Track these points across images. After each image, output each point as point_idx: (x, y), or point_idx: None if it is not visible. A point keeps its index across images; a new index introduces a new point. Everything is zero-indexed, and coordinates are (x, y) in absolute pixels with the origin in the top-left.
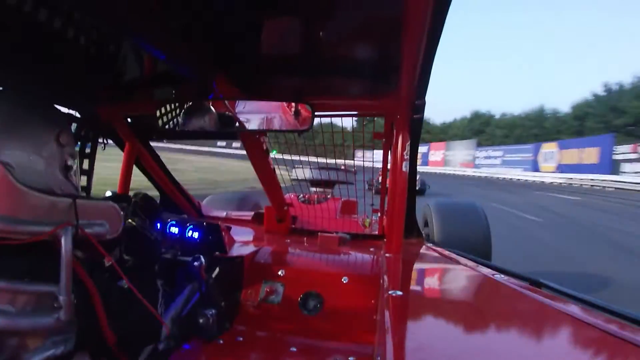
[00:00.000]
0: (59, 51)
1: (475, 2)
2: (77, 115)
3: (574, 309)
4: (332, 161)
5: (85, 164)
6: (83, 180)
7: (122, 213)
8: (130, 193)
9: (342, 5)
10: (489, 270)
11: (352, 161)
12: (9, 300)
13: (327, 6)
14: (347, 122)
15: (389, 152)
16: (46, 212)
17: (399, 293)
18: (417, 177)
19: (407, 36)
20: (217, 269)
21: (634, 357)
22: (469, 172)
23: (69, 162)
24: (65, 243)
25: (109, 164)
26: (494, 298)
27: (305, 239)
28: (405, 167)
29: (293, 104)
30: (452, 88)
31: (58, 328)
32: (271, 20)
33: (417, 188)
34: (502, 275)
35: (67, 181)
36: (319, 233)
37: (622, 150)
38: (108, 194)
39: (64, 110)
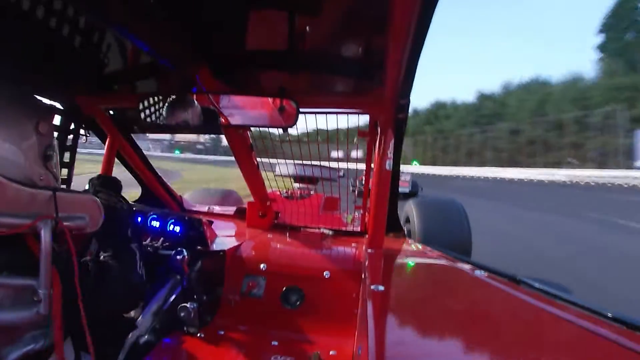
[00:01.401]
0: (41, 41)
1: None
2: (59, 106)
3: (550, 305)
4: (316, 158)
5: (67, 157)
6: (64, 173)
7: (102, 206)
8: None
9: (328, 1)
10: (469, 266)
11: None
12: None
13: (312, 2)
14: (332, 120)
15: (373, 150)
16: (25, 204)
17: (380, 288)
18: (409, 179)
19: (393, 34)
20: (199, 263)
21: (606, 351)
22: None
23: (49, 152)
24: (44, 236)
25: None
26: (472, 294)
27: (287, 234)
28: (388, 165)
29: (278, 100)
30: None
31: (38, 322)
32: (256, 14)
33: (408, 190)
34: (482, 272)
35: (47, 171)
36: (301, 228)
37: None
38: (87, 187)
39: (45, 101)
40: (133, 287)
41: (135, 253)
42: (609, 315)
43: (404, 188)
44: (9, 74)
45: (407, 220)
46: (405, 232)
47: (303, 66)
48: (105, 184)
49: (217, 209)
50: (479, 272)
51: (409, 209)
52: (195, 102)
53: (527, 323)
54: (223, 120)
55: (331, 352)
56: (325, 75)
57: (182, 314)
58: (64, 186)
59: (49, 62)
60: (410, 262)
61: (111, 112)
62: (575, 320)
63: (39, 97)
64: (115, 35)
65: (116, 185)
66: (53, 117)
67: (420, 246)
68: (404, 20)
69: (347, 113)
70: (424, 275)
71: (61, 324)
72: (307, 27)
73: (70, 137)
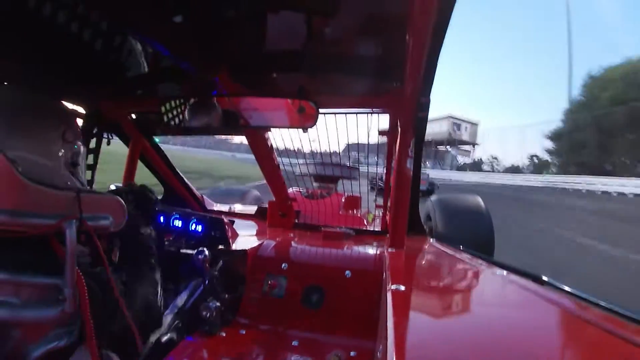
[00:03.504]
0: (64, 47)
1: None
2: (82, 110)
3: (576, 306)
4: (336, 157)
5: (90, 159)
6: (87, 175)
7: (125, 206)
8: None
9: (346, 1)
10: (491, 266)
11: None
12: (14, 292)
13: (331, 2)
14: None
15: (394, 149)
16: (50, 205)
17: (402, 288)
18: (426, 178)
19: (412, 32)
20: (221, 263)
21: (633, 356)
22: None
23: (75, 159)
24: (69, 236)
25: None
26: (495, 294)
27: (308, 233)
28: (409, 164)
29: (297, 101)
30: None
31: (62, 320)
32: (274, 16)
33: (425, 188)
34: (504, 272)
35: (73, 177)
36: (322, 228)
37: None
38: (112, 187)
39: (69, 105)
40: (152, 321)
41: (158, 283)
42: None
43: (421, 186)
44: (33, 81)
45: (429, 219)
46: (427, 230)
47: (322, 67)
48: (141, 202)
49: (238, 208)
50: (501, 273)
51: (430, 207)
52: (216, 104)
53: (553, 324)
54: (243, 122)
55: (352, 353)
56: (344, 75)
57: (204, 313)
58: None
59: (73, 68)
60: (432, 261)
61: (134, 115)
62: (602, 322)
63: (64, 104)
64: (136, 40)
65: (150, 201)
66: (82, 125)
67: (442, 245)
68: (423, 17)
69: (367, 113)
70: (446, 275)
71: (89, 320)
72: (325, 28)
73: (94, 140)
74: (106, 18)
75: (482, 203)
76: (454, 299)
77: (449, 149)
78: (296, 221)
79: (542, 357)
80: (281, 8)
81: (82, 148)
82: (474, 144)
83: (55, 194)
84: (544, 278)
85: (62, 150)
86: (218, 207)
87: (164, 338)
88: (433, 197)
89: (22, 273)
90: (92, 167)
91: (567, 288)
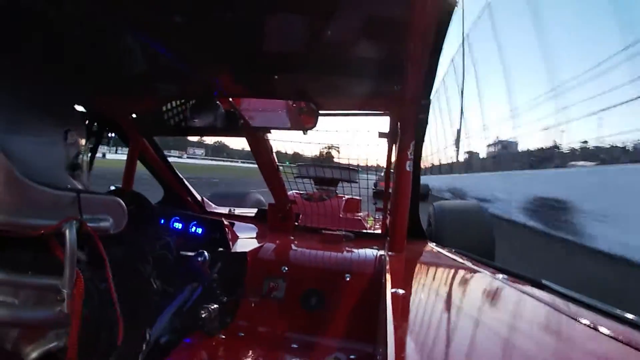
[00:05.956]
0: (63, 46)
1: None
2: (81, 110)
3: (576, 311)
4: (336, 160)
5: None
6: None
7: (126, 208)
8: None
9: (346, 3)
10: (492, 270)
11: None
12: (12, 293)
13: (331, 4)
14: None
15: (393, 151)
16: (50, 206)
17: (401, 292)
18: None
19: (413, 34)
20: (220, 265)
21: None
22: None
23: (77, 161)
24: (69, 237)
25: None
26: (496, 299)
27: (308, 236)
28: (409, 166)
29: (298, 102)
30: None
31: (60, 321)
32: (275, 17)
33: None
34: (505, 276)
35: (74, 179)
36: (322, 231)
37: None
38: (112, 188)
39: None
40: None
41: (152, 284)
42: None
43: None
44: (33, 82)
45: (429, 225)
46: (427, 235)
47: (322, 69)
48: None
49: (238, 210)
50: (502, 277)
51: (430, 212)
52: (217, 105)
53: (552, 329)
54: (243, 123)
55: (351, 356)
56: (345, 77)
57: (203, 315)
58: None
59: (72, 68)
60: (432, 265)
61: (133, 115)
62: (603, 327)
63: (64, 105)
64: (136, 39)
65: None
66: (82, 126)
67: (442, 249)
68: (424, 19)
69: (367, 114)
70: (445, 279)
71: (79, 324)
72: (326, 30)
73: (93, 139)
74: (106, 17)
75: (483, 208)
76: (453, 303)
77: None
78: (296, 224)
79: None
80: (283, 9)
81: (83, 149)
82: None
83: (55, 195)
84: (544, 282)
85: (63, 151)
86: (218, 209)
87: (162, 340)
88: (435, 203)
89: (20, 273)
90: (89, 168)
91: (566, 292)
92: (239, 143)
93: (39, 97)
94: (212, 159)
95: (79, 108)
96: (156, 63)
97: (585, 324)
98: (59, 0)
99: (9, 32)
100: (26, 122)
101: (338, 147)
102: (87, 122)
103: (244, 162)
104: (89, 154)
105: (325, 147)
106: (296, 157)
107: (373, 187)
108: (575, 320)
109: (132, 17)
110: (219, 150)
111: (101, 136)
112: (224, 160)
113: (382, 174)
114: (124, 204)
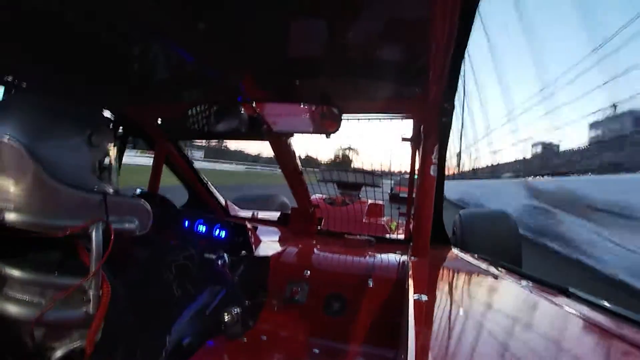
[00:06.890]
0: (90, 52)
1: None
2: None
3: (602, 318)
4: (359, 164)
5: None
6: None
7: (151, 210)
8: None
9: (368, 7)
10: (517, 277)
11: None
12: (39, 293)
13: (353, 8)
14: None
15: (417, 155)
16: (77, 207)
17: (424, 298)
18: None
19: (435, 38)
20: (243, 268)
21: None
22: None
23: (103, 163)
24: (95, 238)
25: None
26: (519, 306)
27: (330, 240)
28: (433, 171)
29: (320, 106)
30: None
31: (86, 321)
32: (296, 22)
33: None
34: (530, 283)
35: (101, 181)
36: (344, 235)
37: None
38: (138, 192)
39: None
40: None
41: (173, 288)
42: None
43: None
44: (59, 87)
45: (454, 233)
46: (452, 241)
47: (344, 72)
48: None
49: (261, 214)
50: (527, 284)
51: (456, 219)
52: (241, 110)
53: (578, 338)
54: (267, 128)
55: None
56: (367, 80)
57: (226, 318)
58: None
59: (98, 73)
60: (456, 272)
61: (159, 120)
62: (628, 335)
63: (92, 110)
64: (163, 46)
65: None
66: (108, 130)
67: (465, 255)
68: (446, 23)
69: (390, 118)
70: (469, 286)
71: (100, 325)
72: (347, 33)
73: (119, 143)
74: (132, 25)
75: (510, 216)
76: (476, 310)
77: None
78: (319, 228)
79: None
80: (304, 14)
81: (110, 152)
82: None
83: (82, 196)
84: (570, 290)
85: (89, 154)
86: (242, 213)
87: (185, 342)
88: (461, 212)
89: (47, 274)
90: (117, 171)
91: (593, 299)
92: (239, 144)
93: (68, 102)
94: (213, 161)
95: (107, 114)
96: (182, 70)
97: (613, 334)
98: (87, 9)
99: (33, 39)
100: (51, 126)
101: (358, 151)
102: (114, 127)
103: (249, 167)
104: (117, 158)
105: (347, 150)
106: (318, 162)
107: (389, 192)
108: (603, 329)
109: (156, 23)
110: (219, 152)
111: (127, 141)
112: (226, 163)
113: (399, 178)
114: (149, 206)
